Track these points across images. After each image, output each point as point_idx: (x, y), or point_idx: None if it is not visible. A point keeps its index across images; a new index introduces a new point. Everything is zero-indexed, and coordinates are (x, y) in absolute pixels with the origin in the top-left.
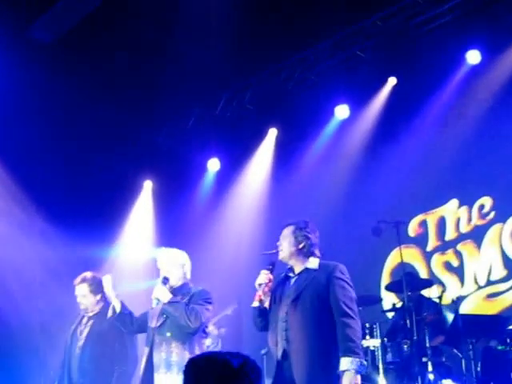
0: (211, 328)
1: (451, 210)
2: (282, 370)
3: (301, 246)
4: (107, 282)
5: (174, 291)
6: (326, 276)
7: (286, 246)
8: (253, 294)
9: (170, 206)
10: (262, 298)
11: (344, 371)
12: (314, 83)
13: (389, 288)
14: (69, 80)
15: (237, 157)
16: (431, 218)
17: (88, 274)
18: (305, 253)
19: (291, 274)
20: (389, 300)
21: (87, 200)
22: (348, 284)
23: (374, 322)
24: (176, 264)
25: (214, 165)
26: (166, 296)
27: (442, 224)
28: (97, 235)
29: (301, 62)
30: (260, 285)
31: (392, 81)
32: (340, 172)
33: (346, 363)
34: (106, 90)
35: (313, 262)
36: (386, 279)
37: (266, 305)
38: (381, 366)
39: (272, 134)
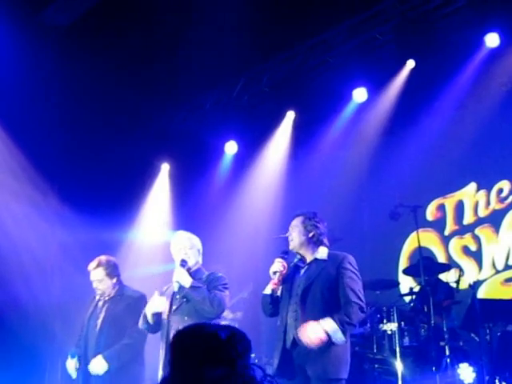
0: (226, 312)
1: (469, 193)
2: (290, 358)
3: (310, 235)
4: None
5: (191, 275)
6: (335, 267)
7: (295, 235)
8: (269, 278)
9: (187, 188)
10: (276, 285)
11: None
12: (331, 66)
13: (406, 272)
14: (86, 63)
15: (254, 140)
16: (449, 202)
17: (103, 258)
18: (314, 242)
19: (301, 264)
20: (406, 284)
21: (104, 183)
22: (356, 275)
23: (392, 305)
24: (193, 248)
25: (231, 148)
26: (187, 280)
27: (460, 208)
28: (114, 218)
29: (319, 45)
30: (275, 273)
31: (410, 64)
32: (358, 155)
33: (328, 323)
34: (123, 73)
35: (322, 252)
36: (403, 263)
37: (279, 293)
38: (398, 349)
39: (290, 116)
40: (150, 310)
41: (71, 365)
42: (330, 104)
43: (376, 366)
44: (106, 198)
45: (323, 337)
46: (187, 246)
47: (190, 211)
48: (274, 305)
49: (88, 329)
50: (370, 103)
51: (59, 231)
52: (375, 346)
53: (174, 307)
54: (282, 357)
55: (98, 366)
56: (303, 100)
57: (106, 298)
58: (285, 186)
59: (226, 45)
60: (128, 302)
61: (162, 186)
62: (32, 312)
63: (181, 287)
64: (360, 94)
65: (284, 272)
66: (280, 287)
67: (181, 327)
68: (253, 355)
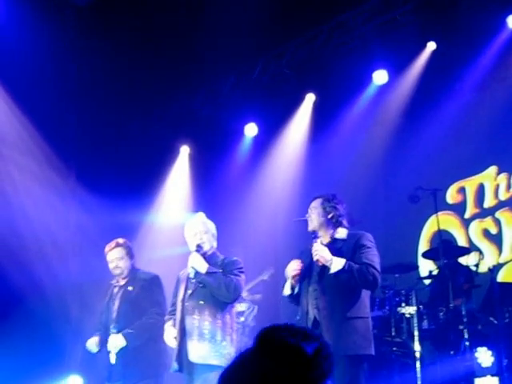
0: (245, 294)
1: (490, 176)
2: None
3: (330, 216)
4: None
5: (207, 260)
6: (352, 244)
7: (315, 216)
8: (289, 259)
9: (206, 171)
10: (294, 285)
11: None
12: (352, 48)
13: (426, 255)
14: (105, 45)
15: (274, 122)
16: (470, 185)
17: (120, 240)
18: (334, 223)
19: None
20: (426, 267)
21: (124, 166)
22: (373, 250)
23: (410, 289)
24: (208, 232)
25: (251, 130)
26: (203, 266)
27: (480, 191)
28: (133, 201)
29: (339, 27)
30: (293, 276)
31: (431, 45)
32: (378, 138)
33: (340, 259)
34: (143, 55)
35: (341, 233)
36: (423, 246)
37: (296, 290)
38: (416, 333)
39: (309, 99)
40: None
41: (92, 342)
42: (350, 86)
43: (394, 348)
44: (126, 181)
45: (328, 257)
46: (202, 231)
47: (210, 194)
48: (295, 301)
49: (107, 314)
50: (390, 85)
51: (78, 214)
52: (394, 329)
53: (189, 292)
54: None
55: (116, 342)
56: (323, 82)
57: (122, 283)
58: (304, 168)
59: (245, 26)
60: (142, 284)
61: (182, 169)
62: (51, 294)
63: (197, 273)
64: (380, 76)
65: (299, 272)
66: (297, 285)
67: (196, 311)
68: None
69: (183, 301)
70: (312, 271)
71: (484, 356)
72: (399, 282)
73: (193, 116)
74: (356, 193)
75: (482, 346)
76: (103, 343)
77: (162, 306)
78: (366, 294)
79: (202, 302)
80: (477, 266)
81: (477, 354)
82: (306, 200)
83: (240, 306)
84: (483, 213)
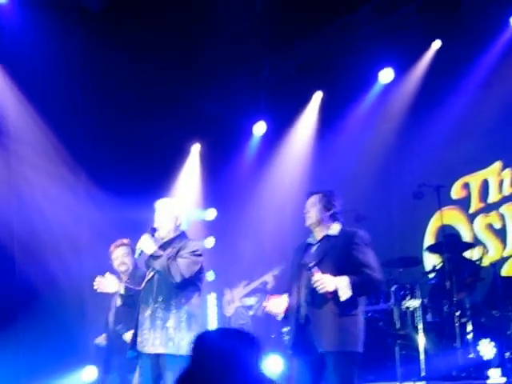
0: (242, 300)
1: (494, 172)
2: (303, 333)
3: (329, 212)
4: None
5: (165, 244)
6: (346, 243)
7: (313, 213)
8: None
9: (217, 168)
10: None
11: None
12: (358, 47)
13: (430, 249)
14: (118, 46)
15: (282, 120)
16: (474, 181)
17: (125, 240)
18: (332, 219)
19: (312, 241)
20: (431, 262)
21: (136, 164)
22: (368, 248)
23: (415, 283)
24: (167, 215)
25: (260, 128)
26: (149, 248)
27: (485, 186)
28: (145, 198)
29: (345, 27)
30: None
31: (436, 44)
32: (384, 135)
33: (343, 282)
34: (154, 56)
35: (334, 229)
36: (428, 241)
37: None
38: (420, 326)
39: (317, 97)
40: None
41: (101, 339)
42: (356, 84)
43: (399, 341)
44: (138, 179)
45: (332, 289)
46: (160, 213)
47: (220, 190)
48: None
49: (110, 311)
50: (396, 84)
51: (92, 211)
52: (398, 322)
53: (148, 277)
54: (297, 334)
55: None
56: (330, 81)
57: (124, 279)
58: (312, 164)
59: (254, 27)
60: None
61: (193, 166)
62: (66, 288)
63: (141, 254)
64: (386, 75)
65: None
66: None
67: (151, 296)
68: (273, 336)
69: (144, 286)
70: (303, 269)
71: (487, 348)
72: (404, 276)
73: (203, 115)
74: (362, 189)
75: (484, 338)
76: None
77: None
78: None
79: (155, 287)
80: (480, 260)
81: (479, 347)
82: None
83: (249, 300)
84: (488, 208)
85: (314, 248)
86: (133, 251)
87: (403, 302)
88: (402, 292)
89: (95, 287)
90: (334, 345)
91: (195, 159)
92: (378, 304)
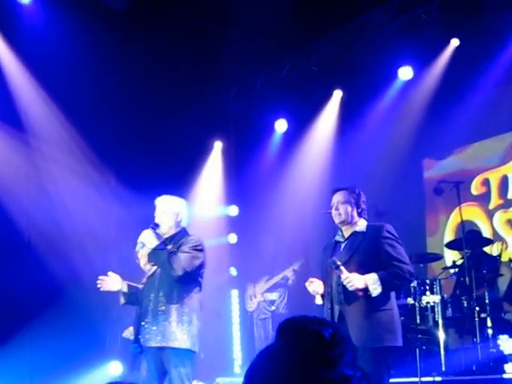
0: (266, 294)
1: None
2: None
3: (359, 209)
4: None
5: (166, 240)
6: (374, 238)
7: (344, 210)
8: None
9: (239, 165)
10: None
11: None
12: (378, 45)
13: (450, 246)
14: (141, 45)
15: (303, 117)
16: (494, 177)
17: None
18: (360, 216)
19: (341, 239)
20: (451, 257)
21: (160, 161)
22: (397, 242)
23: (435, 278)
24: (168, 212)
25: (281, 125)
26: (151, 242)
27: (504, 182)
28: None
29: (365, 25)
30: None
31: (455, 42)
32: (403, 132)
33: (372, 278)
34: (176, 54)
35: (361, 225)
36: (448, 237)
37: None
38: (440, 321)
39: (337, 95)
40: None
41: (127, 333)
42: (376, 82)
43: (419, 336)
44: (161, 176)
45: (361, 286)
46: (161, 211)
47: (242, 187)
48: None
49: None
50: (415, 81)
51: (116, 208)
52: (419, 317)
53: (151, 271)
54: None
55: None
56: (350, 78)
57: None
58: (332, 161)
59: (275, 26)
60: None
61: (215, 163)
62: (91, 284)
63: (143, 247)
64: (405, 72)
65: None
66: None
67: (153, 291)
68: None
69: (147, 280)
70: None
71: (506, 343)
72: (424, 272)
73: (225, 112)
74: (381, 184)
75: (504, 333)
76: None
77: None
78: None
79: (157, 282)
80: (500, 255)
81: (499, 342)
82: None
83: (271, 295)
84: (507, 204)
85: (343, 245)
86: None
87: (423, 298)
88: (423, 287)
89: (98, 286)
90: (371, 341)
91: (217, 156)
92: (398, 299)
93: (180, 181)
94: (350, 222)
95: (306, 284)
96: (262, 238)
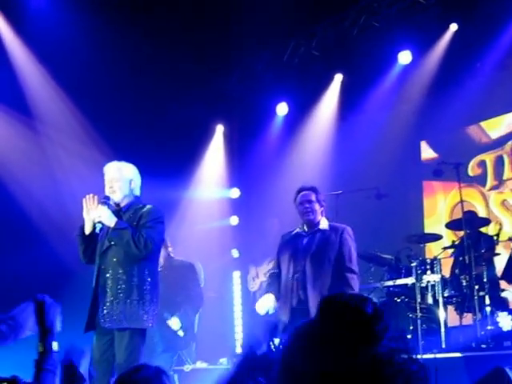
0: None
1: (509, 149)
2: (296, 317)
3: (322, 209)
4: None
5: (120, 211)
6: (337, 237)
7: (314, 208)
8: None
9: (240, 148)
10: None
11: None
12: (377, 30)
13: (449, 226)
14: (142, 30)
15: (304, 101)
16: (490, 158)
17: None
18: (322, 215)
19: (303, 233)
20: (449, 237)
21: (163, 145)
22: (353, 245)
23: (435, 258)
24: (121, 179)
25: (282, 109)
26: (110, 220)
27: (499, 164)
28: (172, 178)
29: (365, 10)
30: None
31: (453, 27)
32: (403, 115)
33: None
34: (178, 38)
35: (323, 224)
36: (446, 217)
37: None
38: (440, 299)
39: (337, 79)
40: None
41: None
42: (376, 66)
43: (420, 314)
44: (165, 160)
45: None
46: (114, 179)
47: (244, 170)
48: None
49: None
50: (414, 65)
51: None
52: (419, 296)
53: (103, 248)
54: (291, 315)
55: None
56: (351, 63)
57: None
58: (333, 144)
59: (276, 9)
60: (177, 271)
61: (217, 147)
62: None
63: (102, 227)
64: (405, 57)
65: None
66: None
67: (110, 270)
68: None
69: (99, 258)
70: (298, 255)
71: (504, 320)
72: (424, 252)
73: (227, 96)
74: (382, 167)
75: (502, 311)
76: None
77: (195, 290)
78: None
79: (115, 260)
80: (497, 235)
81: (498, 319)
82: (335, 176)
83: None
84: (502, 185)
85: (306, 239)
86: (165, 242)
87: (424, 277)
88: (423, 267)
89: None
90: None
91: (219, 139)
92: (399, 278)
93: (182, 164)
94: (315, 220)
95: (257, 309)
96: (264, 220)
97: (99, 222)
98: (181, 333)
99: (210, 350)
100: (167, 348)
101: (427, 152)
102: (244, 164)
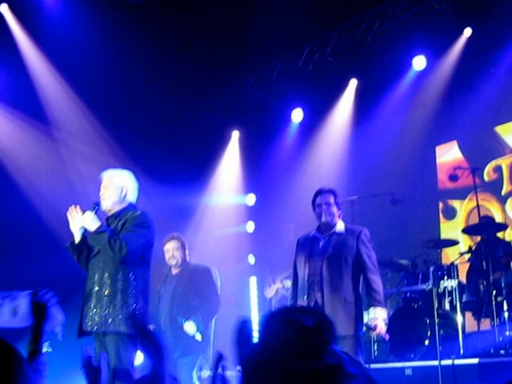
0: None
1: None
2: None
3: (340, 212)
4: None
5: (111, 218)
6: (353, 239)
7: (331, 211)
8: None
9: (256, 154)
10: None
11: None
12: (392, 35)
13: (465, 231)
14: (159, 36)
15: (319, 107)
16: (505, 163)
17: (175, 234)
18: (339, 217)
19: (320, 236)
20: (466, 243)
21: (179, 151)
22: (371, 246)
23: (452, 263)
24: (111, 186)
25: (297, 115)
26: (92, 224)
27: None
28: (188, 185)
29: (379, 15)
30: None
31: (467, 32)
32: (417, 121)
33: (374, 312)
34: (194, 45)
35: (340, 227)
36: (463, 223)
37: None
38: (458, 305)
39: (352, 84)
40: (76, 226)
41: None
42: (390, 71)
43: (437, 320)
44: (181, 166)
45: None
46: (105, 186)
47: (260, 176)
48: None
49: (159, 300)
50: (428, 70)
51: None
52: (436, 302)
53: (93, 253)
54: None
55: (189, 329)
56: (365, 68)
57: (175, 272)
58: (348, 149)
59: (291, 15)
60: (193, 275)
61: (233, 153)
62: None
63: (85, 232)
64: (419, 62)
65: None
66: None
67: (97, 274)
68: None
69: (88, 262)
70: (314, 257)
71: None
72: (441, 257)
73: (242, 102)
74: (397, 173)
75: None
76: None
77: (212, 294)
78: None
79: (101, 264)
80: None
81: None
82: (351, 181)
83: (290, 282)
84: None
85: (323, 242)
86: (183, 245)
87: (441, 282)
88: (440, 272)
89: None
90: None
91: (235, 146)
92: (416, 285)
93: (198, 170)
94: (332, 222)
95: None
96: (280, 226)
97: (81, 227)
98: (198, 336)
99: (226, 357)
100: (184, 352)
101: (442, 156)
102: (260, 170)
